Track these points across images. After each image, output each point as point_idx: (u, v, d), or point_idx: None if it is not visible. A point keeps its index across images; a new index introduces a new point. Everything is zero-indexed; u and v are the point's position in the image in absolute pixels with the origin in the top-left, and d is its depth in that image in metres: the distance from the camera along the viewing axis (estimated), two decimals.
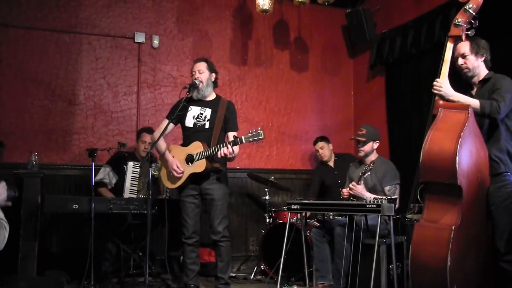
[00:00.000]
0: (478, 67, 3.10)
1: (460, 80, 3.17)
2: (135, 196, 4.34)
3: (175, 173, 3.65)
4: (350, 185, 3.84)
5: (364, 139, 3.93)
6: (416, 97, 4.94)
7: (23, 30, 4.89)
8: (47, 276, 4.15)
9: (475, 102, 2.94)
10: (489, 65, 3.15)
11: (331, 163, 5.24)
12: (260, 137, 3.44)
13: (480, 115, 2.95)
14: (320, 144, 5.25)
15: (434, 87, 3.05)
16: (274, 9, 5.28)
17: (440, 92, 3.02)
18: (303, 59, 5.97)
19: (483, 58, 3.11)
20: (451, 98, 3.01)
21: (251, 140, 3.46)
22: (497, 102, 2.88)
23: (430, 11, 4.69)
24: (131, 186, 4.37)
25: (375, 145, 4.01)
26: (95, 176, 4.04)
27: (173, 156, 3.75)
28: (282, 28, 5.88)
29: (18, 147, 4.73)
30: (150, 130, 4.59)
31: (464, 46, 3.10)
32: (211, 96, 3.84)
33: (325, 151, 5.22)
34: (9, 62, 4.83)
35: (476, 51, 3.09)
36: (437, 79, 3.05)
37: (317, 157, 5.74)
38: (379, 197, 3.62)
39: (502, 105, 2.87)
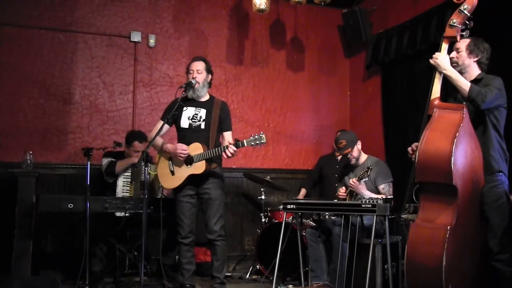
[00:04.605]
0: (469, 65, 3.12)
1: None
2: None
3: (182, 154, 3.60)
4: (351, 181, 3.84)
5: (349, 150, 3.96)
6: (411, 97, 4.95)
7: (17, 29, 4.86)
8: (42, 276, 4.13)
9: (465, 82, 2.97)
10: (485, 68, 3.16)
11: (339, 156, 5.27)
12: (263, 141, 3.45)
13: (466, 99, 2.96)
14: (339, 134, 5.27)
15: (435, 57, 3.06)
16: (270, 9, 5.27)
17: (436, 62, 3.04)
18: (299, 59, 5.97)
19: (476, 59, 3.12)
20: (444, 71, 3.02)
21: (253, 144, 3.47)
22: (485, 92, 2.91)
23: (426, 11, 4.70)
24: (123, 192, 4.33)
25: (359, 145, 4.05)
26: (92, 173, 4.01)
27: (170, 158, 3.74)
28: (278, 27, 5.88)
29: (13, 147, 4.70)
30: (141, 138, 4.45)
31: (463, 43, 3.13)
32: (205, 97, 3.83)
33: None
34: (3, 61, 4.80)
35: (471, 49, 3.11)
36: (437, 53, 3.07)
37: (314, 157, 5.77)
38: (375, 196, 3.64)
39: (489, 96, 2.89)
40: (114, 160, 4.35)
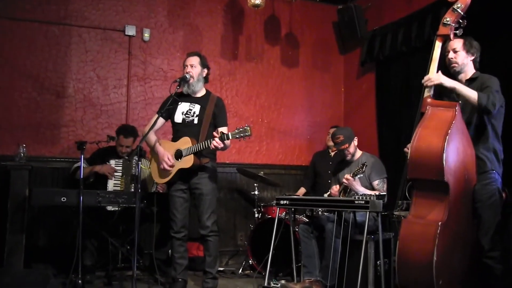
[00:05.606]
0: (466, 64, 3.17)
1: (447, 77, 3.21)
2: None
3: (165, 165, 3.63)
4: (346, 177, 3.85)
5: (346, 145, 3.98)
6: (405, 94, 4.97)
7: (10, 21, 4.82)
8: (34, 269, 4.12)
9: (473, 93, 2.96)
10: (477, 66, 3.21)
11: (332, 153, 5.27)
12: (247, 134, 3.44)
13: (476, 107, 2.96)
14: (334, 130, 5.26)
15: (430, 79, 3.06)
16: (265, 4, 5.26)
17: (439, 81, 3.04)
18: (294, 55, 5.97)
19: (472, 58, 3.17)
20: (452, 84, 3.02)
21: (237, 136, 3.46)
22: (492, 97, 2.91)
23: (420, 9, 4.71)
24: (114, 186, 4.32)
25: (355, 141, 4.07)
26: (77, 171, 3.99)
27: None
28: (273, 23, 5.87)
29: (5, 140, 4.67)
30: (127, 133, 4.43)
31: (458, 42, 3.16)
32: (201, 92, 3.83)
33: None
34: None
35: (467, 49, 3.16)
36: (428, 75, 3.09)
37: (307, 153, 5.78)
38: (369, 193, 3.65)
39: (496, 101, 2.92)
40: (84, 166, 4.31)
